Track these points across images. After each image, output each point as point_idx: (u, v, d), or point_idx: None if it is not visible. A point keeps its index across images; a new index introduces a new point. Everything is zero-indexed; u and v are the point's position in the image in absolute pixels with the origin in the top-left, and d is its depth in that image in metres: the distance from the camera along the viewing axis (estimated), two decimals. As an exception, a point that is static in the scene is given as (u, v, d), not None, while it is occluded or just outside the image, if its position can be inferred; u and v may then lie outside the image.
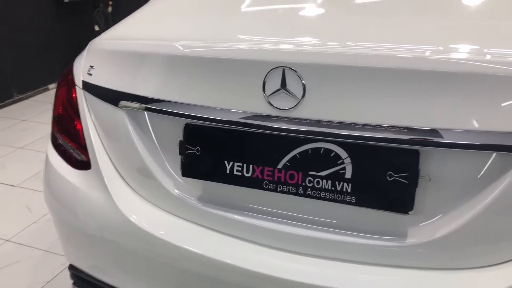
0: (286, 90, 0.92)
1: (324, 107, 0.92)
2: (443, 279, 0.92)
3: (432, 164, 0.90)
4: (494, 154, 0.85)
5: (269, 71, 0.92)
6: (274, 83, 0.93)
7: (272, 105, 0.94)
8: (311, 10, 1.15)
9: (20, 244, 2.25)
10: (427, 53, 0.87)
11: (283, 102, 0.93)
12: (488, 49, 0.88)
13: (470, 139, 0.84)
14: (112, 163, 1.21)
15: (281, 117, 0.94)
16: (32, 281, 2.00)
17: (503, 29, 0.96)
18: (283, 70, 0.91)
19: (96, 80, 1.19)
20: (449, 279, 0.91)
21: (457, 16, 1.05)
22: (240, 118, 0.97)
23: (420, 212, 0.92)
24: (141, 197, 1.19)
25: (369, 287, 0.93)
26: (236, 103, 0.98)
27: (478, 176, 0.87)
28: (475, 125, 0.84)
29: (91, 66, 1.22)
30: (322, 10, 1.14)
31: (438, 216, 0.92)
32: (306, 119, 0.93)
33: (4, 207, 2.58)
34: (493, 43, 0.90)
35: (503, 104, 0.83)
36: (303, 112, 0.93)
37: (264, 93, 0.94)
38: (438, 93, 0.85)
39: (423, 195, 0.91)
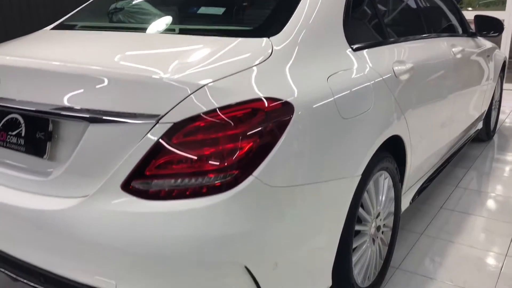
0: (-8, 80, 1.58)
1: (8, 90, 1.55)
2: (64, 203, 1.46)
3: (57, 127, 1.48)
4: (82, 124, 1.42)
5: None
6: (-11, 76, 1.60)
7: None
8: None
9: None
10: (61, 64, 1.50)
11: (-9, 87, 1.58)
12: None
13: (68, 114, 1.43)
14: None
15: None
16: None
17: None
18: (-10, 69, 1.58)
19: None
20: (65, 203, 1.45)
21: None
22: None
23: (51, 157, 1.50)
24: None
25: (23, 204, 1.50)
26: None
27: (76, 137, 1.44)
28: (72, 106, 1.43)
29: None
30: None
31: (61, 161, 1.48)
32: (0, 98, 1.56)
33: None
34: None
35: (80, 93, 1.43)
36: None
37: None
38: (59, 86, 1.46)
39: (53, 146, 1.49)
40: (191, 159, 1.36)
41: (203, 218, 1.33)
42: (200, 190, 1.34)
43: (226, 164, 1.35)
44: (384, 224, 2.16)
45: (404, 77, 2.14)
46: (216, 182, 1.34)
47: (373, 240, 2.07)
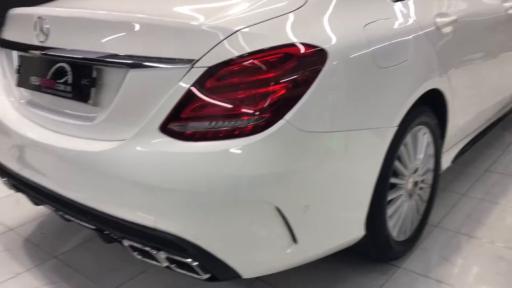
0: (41, 30, 1.67)
1: (57, 40, 1.65)
2: (107, 146, 1.55)
3: (100, 74, 1.57)
4: (123, 69, 1.50)
5: (36, 19, 1.68)
6: (38, 26, 1.68)
7: (38, 39, 1.69)
8: None
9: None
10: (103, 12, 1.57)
11: (41, 37, 1.68)
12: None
13: (111, 60, 1.51)
14: (9, 83, 2.01)
15: (42, 46, 1.69)
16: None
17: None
18: (39, 18, 1.66)
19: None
20: (108, 145, 1.54)
21: None
22: (27, 48, 1.74)
23: (95, 103, 1.59)
24: (9, 100, 1.98)
25: (71, 147, 1.61)
26: (29, 39, 1.75)
27: (117, 82, 1.52)
28: (114, 52, 1.50)
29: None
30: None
31: (104, 107, 1.57)
32: (50, 47, 1.66)
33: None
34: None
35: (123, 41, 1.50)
36: (49, 43, 1.66)
37: (35, 31, 1.69)
38: (102, 34, 1.54)
39: (97, 92, 1.58)
40: (224, 102, 1.40)
41: (235, 159, 1.38)
42: (233, 132, 1.39)
43: (258, 107, 1.39)
44: (422, 180, 2.14)
45: (447, 30, 2.08)
46: (248, 124, 1.38)
47: (410, 195, 2.06)
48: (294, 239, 1.52)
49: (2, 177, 2.05)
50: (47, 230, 2.44)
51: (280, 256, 1.54)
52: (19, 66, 1.88)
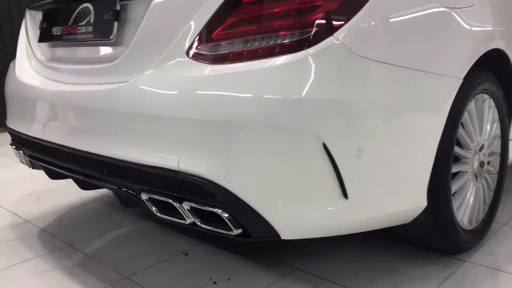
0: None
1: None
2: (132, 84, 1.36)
3: (124, 8, 1.41)
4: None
5: None
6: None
7: None
8: None
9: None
10: None
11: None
12: None
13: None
14: (30, 46, 1.89)
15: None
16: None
17: None
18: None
19: None
20: (133, 83, 1.36)
21: None
22: None
23: (117, 41, 1.43)
24: (30, 63, 1.83)
25: (91, 91, 1.43)
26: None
27: (142, 12, 1.35)
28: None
29: None
30: None
31: (127, 43, 1.40)
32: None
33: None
34: None
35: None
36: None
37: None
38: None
39: (120, 28, 1.42)
40: (263, 17, 1.21)
41: (275, 79, 1.16)
42: (274, 50, 1.18)
43: (302, 21, 1.18)
44: (488, 163, 1.85)
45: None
46: (291, 40, 1.17)
47: (476, 177, 1.77)
48: (343, 192, 1.26)
49: (18, 149, 1.88)
50: (65, 223, 2.23)
51: (326, 214, 1.26)
52: (41, 21, 1.75)
